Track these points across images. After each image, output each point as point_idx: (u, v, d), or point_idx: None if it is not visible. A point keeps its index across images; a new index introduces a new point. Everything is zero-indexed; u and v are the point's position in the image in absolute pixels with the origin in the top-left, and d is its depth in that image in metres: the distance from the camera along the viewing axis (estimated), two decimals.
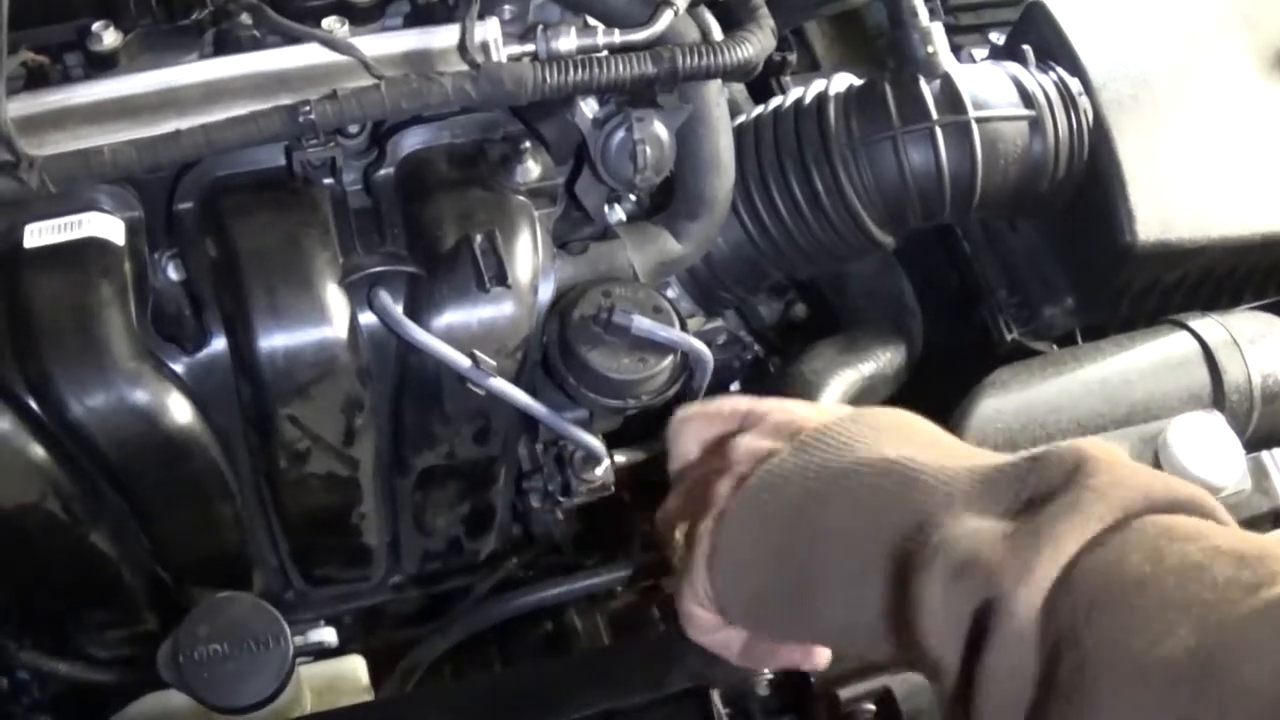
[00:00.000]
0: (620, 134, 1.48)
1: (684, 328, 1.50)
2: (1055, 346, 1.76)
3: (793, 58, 1.96)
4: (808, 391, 1.69)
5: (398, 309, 1.41)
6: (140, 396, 1.37)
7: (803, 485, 1.08)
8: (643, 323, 1.46)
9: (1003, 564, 0.91)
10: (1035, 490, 0.96)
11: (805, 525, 1.07)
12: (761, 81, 1.87)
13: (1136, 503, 0.91)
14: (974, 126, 1.63)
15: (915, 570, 0.96)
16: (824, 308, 1.88)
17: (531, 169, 1.49)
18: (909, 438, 1.09)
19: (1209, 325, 1.68)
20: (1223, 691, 0.80)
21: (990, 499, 0.97)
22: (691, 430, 1.28)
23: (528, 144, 1.48)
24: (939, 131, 1.62)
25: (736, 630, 1.23)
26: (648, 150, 1.48)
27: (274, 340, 1.38)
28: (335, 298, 1.40)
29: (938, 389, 1.74)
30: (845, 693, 1.40)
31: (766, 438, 1.17)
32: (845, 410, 1.15)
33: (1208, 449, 1.53)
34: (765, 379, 1.80)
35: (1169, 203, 1.69)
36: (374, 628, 1.83)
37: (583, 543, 1.83)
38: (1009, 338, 1.77)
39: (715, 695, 1.38)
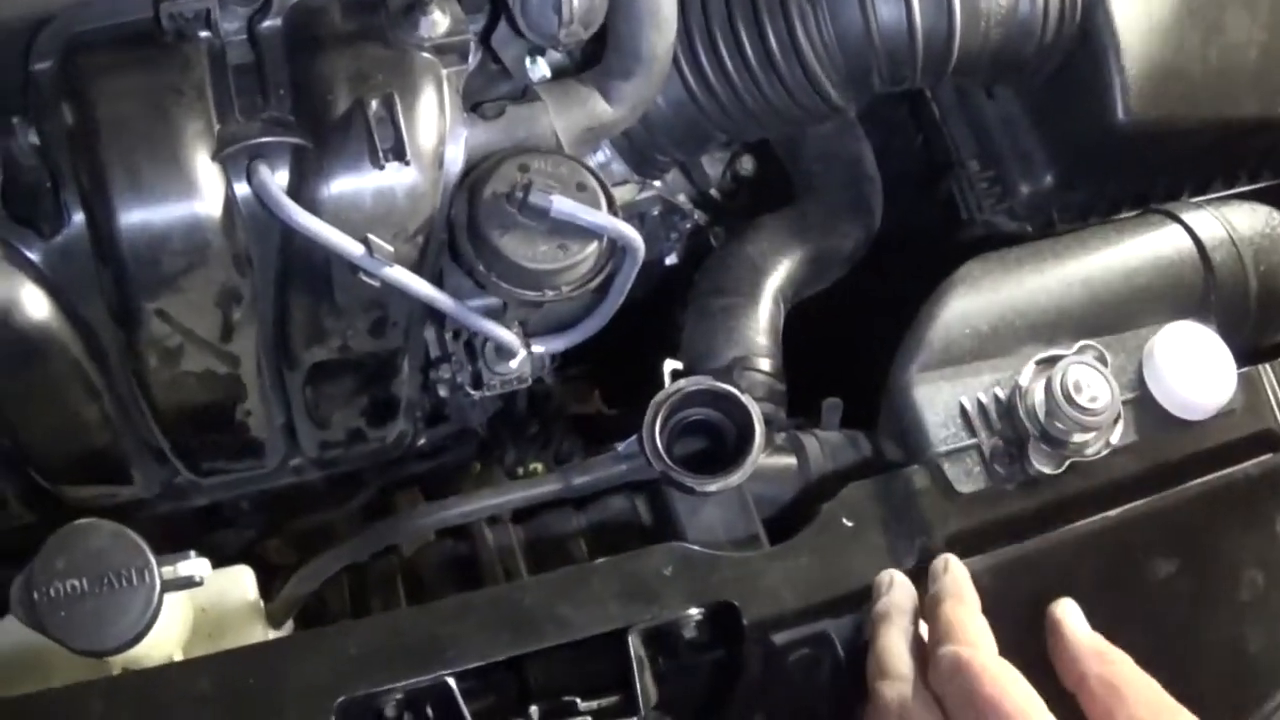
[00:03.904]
0: None
1: (612, 205, 1.25)
2: (1029, 228, 1.51)
3: None
4: (754, 275, 1.44)
5: (279, 187, 1.16)
6: None
7: None
8: (564, 204, 1.20)
9: None
10: None
11: None
12: None
13: None
14: None
15: None
16: (775, 162, 1.62)
17: (439, 21, 1.21)
18: None
19: (1204, 220, 1.41)
20: None
21: None
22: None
23: None
24: None
25: None
26: (574, 1, 1.22)
27: (135, 222, 1.14)
28: (207, 173, 1.14)
29: (896, 270, 1.49)
30: (780, 637, 1.21)
31: None
32: None
33: (1197, 362, 1.30)
34: (705, 254, 1.55)
35: (1165, 77, 1.41)
36: (277, 509, 1.62)
37: (500, 421, 1.61)
38: (979, 217, 1.52)
39: (633, 639, 1.19)
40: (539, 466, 1.66)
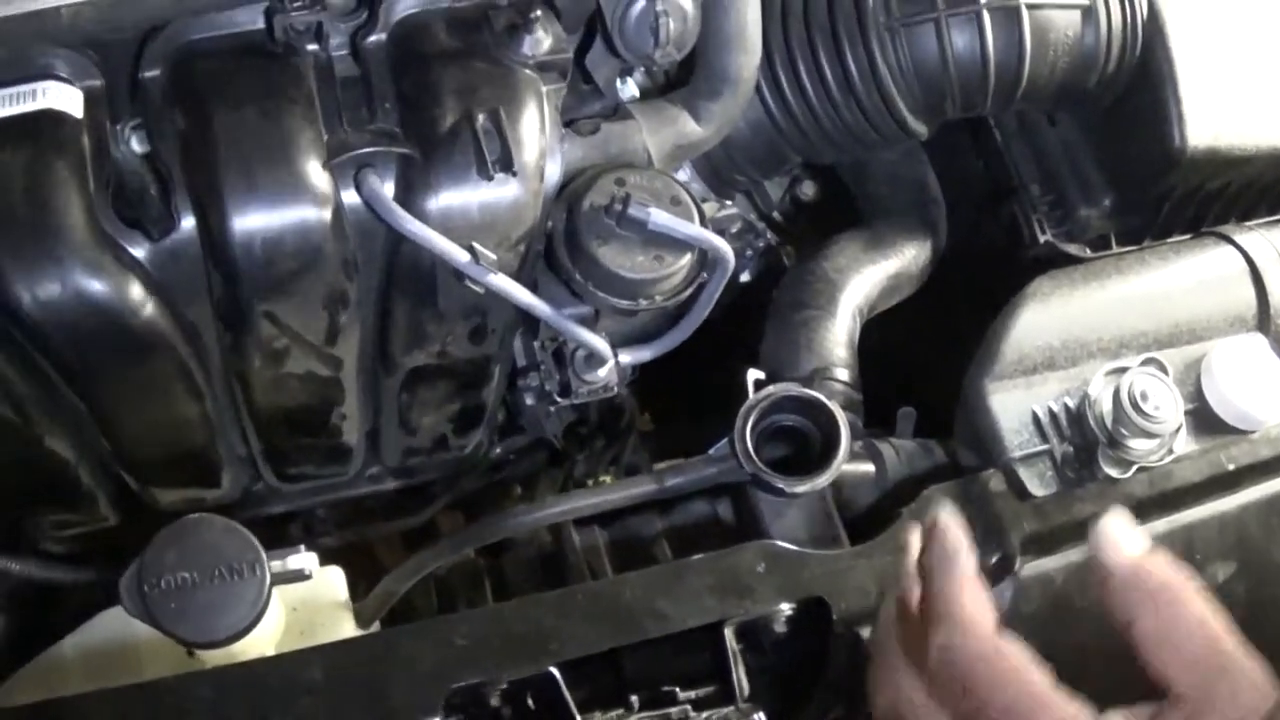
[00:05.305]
0: (641, 4, 1.23)
1: (704, 218, 1.28)
2: (1088, 250, 1.54)
3: None
4: (831, 290, 1.47)
5: (389, 195, 1.17)
6: (98, 288, 1.13)
7: None
8: (660, 216, 1.24)
9: None
10: None
11: None
12: None
13: None
14: (1024, 13, 1.37)
15: None
16: (833, 186, 1.66)
17: (541, 40, 1.23)
18: None
19: (1256, 241, 1.46)
20: None
21: None
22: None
23: (538, 12, 1.22)
24: (986, 16, 1.37)
25: None
26: (670, 23, 1.24)
27: (250, 226, 1.14)
28: (319, 180, 1.15)
29: (960, 290, 1.54)
30: (868, 632, 1.23)
31: None
32: None
33: (1252, 376, 1.35)
34: (779, 271, 1.59)
35: (1221, 107, 1.46)
36: (349, 518, 1.63)
37: (572, 433, 1.63)
38: (1041, 239, 1.54)
39: (729, 632, 1.22)
40: (608, 479, 1.68)
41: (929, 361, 1.42)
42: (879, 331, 1.53)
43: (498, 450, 1.60)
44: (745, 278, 1.61)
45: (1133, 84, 1.47)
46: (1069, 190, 1.55)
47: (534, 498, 1.74)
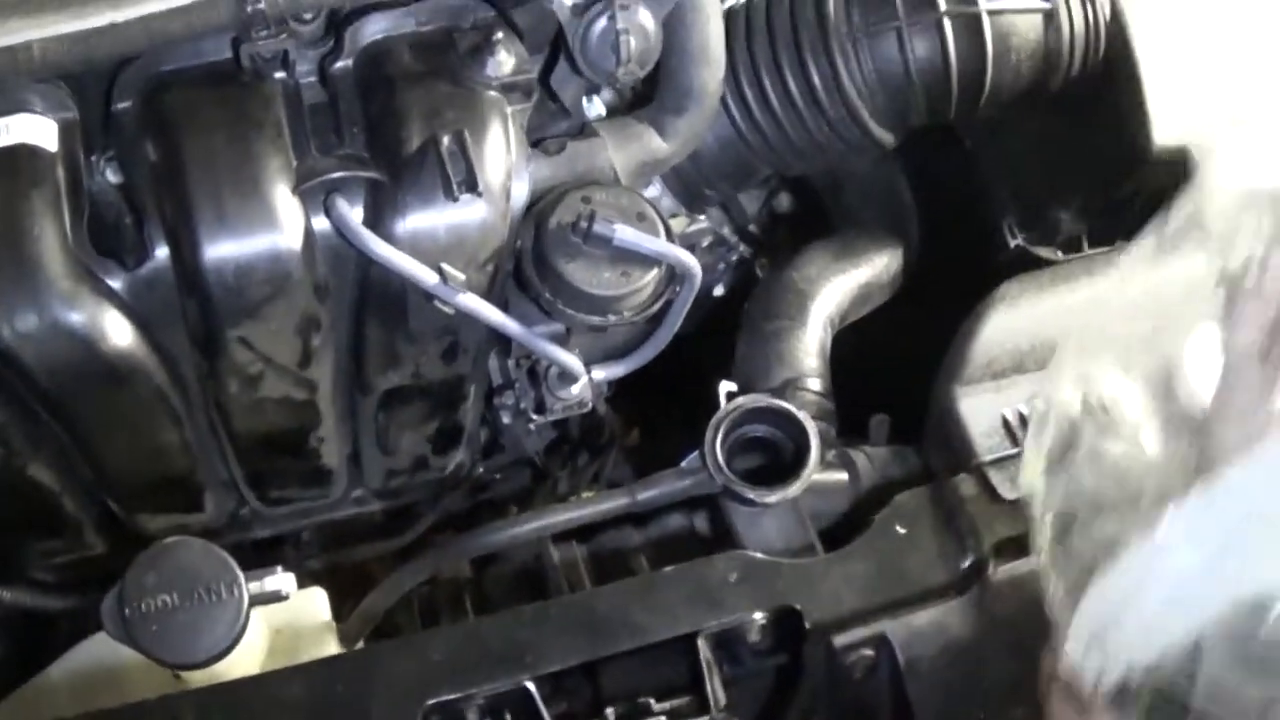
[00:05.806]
0: (602, 23, 1.25)
1: (670, 234, 1.30)
2: (1059, 253, 1.55)
3: None
4: (802, 300, 1.48)
5: (357, 219, 1.20)
6: (76, 318, 1.16)
7: None
8: (626, 233, 1.26)
9: None
10: None
11: None
12: None
13: None
14: (985, 19, 1.39)
15: None
16: (810, 198, 1.68)
17: (504, 61, 1.26)
18: None
19: None
20: None
21: None
22: None
23: (500, 34, 1.25)
24: (947, 24, 1.39)
25: None
26: (632, 41, 1.26)
27: (222, 254, 1.17)
28: (289, 206, 1.18)
29: (934, 296, 1.55)
30: (840, 639, 1.25)
31: None
32: None
33: None
34: (752, 282, 1.60)
35: (1188, 105, 1.45)
36: (335, 541, 1.65)
37: (555, 450, 1.65)
38: (1012, 244, 1.56)
39: (702, 643, 1.23)
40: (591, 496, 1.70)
41: (903, 368, 1.43)
42: (853, 339, 1.54)
43: (480, 470, 1.62)
44: (719, 291, 1.63)
45: (1099, 84, 1.48)
46: (1038, 194, 1.56)
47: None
